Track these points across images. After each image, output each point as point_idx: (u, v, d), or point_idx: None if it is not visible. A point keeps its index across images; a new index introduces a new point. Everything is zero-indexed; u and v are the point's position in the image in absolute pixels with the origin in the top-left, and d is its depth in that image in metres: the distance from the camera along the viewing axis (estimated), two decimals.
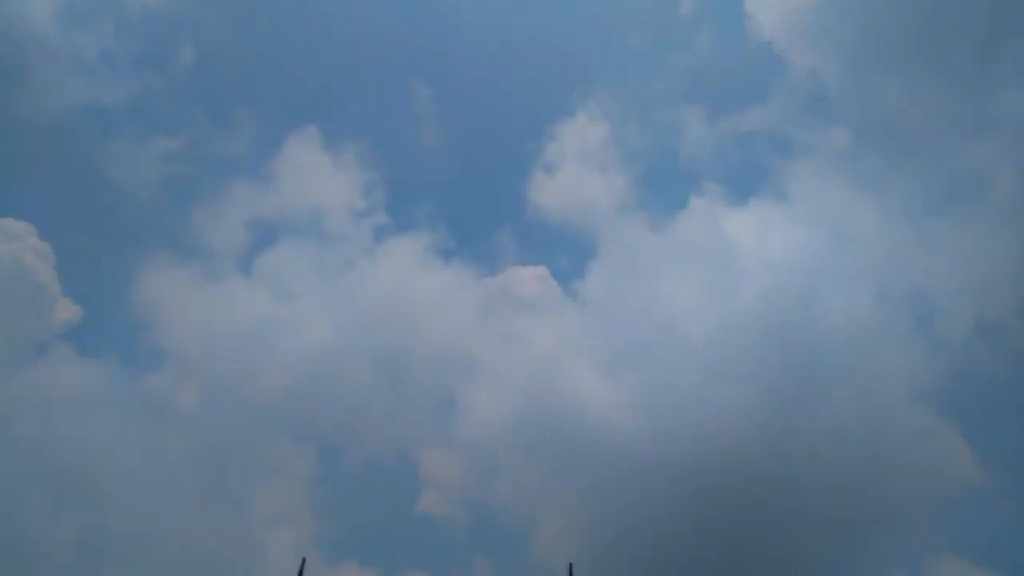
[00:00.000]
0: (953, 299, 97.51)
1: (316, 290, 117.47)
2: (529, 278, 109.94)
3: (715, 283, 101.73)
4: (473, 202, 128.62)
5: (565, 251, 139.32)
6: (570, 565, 27.81)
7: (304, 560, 28.39)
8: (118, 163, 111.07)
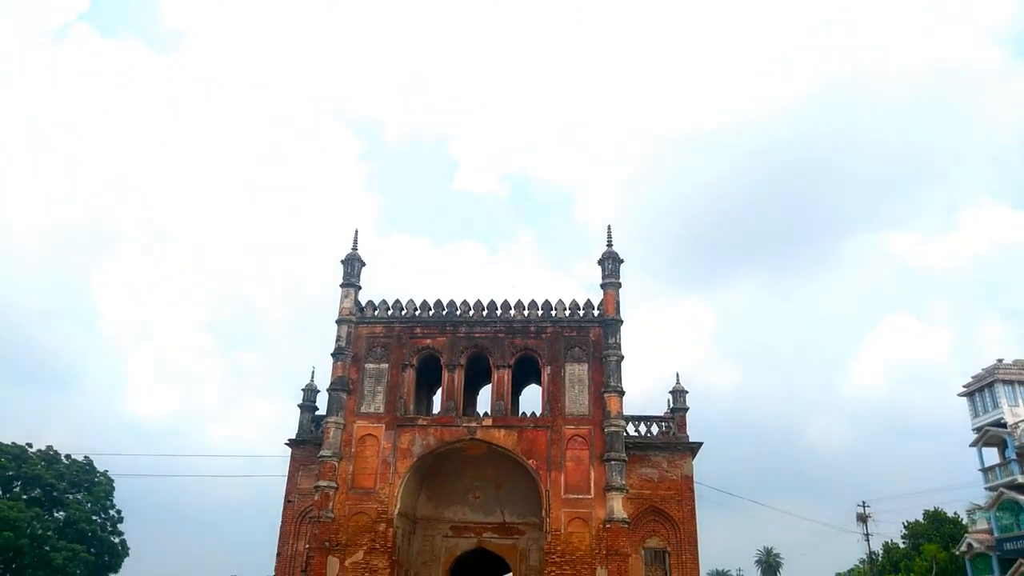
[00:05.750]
0: None
1: None
2: None
3: None
4: None
5: None
6: (608, 227, 28.90)
7: (356, 232, 29.87)
8: None
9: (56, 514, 55.53)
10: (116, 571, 58.45)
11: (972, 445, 44.72)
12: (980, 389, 44.60)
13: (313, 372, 32.58)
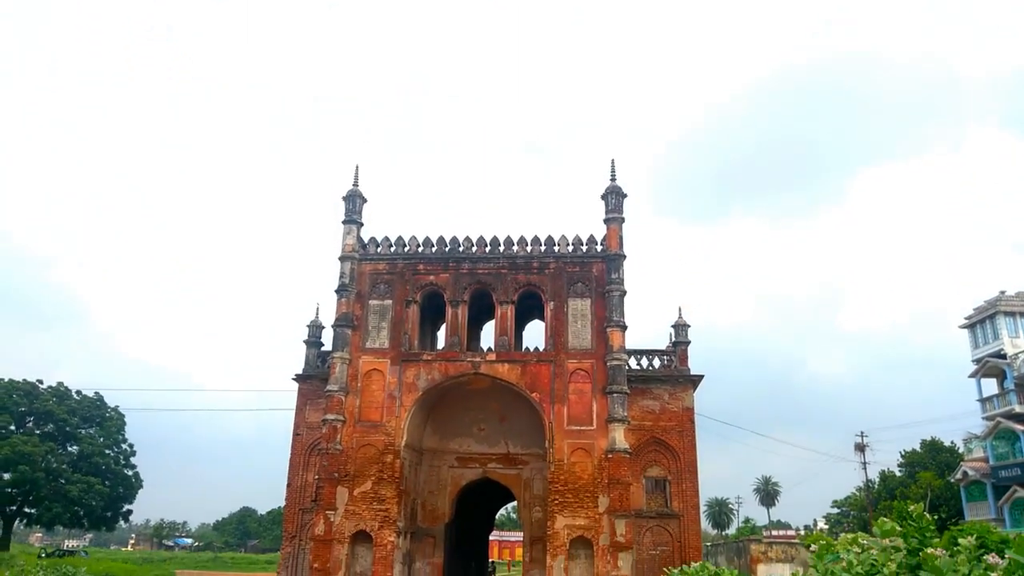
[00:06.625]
0: None
1: None
2: None
3: None
4: None
5: None
6: (612, 161, 29.01)
7: (357, 168, 29.94)
8: None
9: (70, 448, 56.73)
10: (131, 502, 60.05)
11: (971, 376, 45.18)
12: (981, 321, 44.83)
13: (318, 309, 32.83)
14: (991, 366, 43.53)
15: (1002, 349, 42.57)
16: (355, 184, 29.82)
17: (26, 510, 54.72)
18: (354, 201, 29.44)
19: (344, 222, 29.16)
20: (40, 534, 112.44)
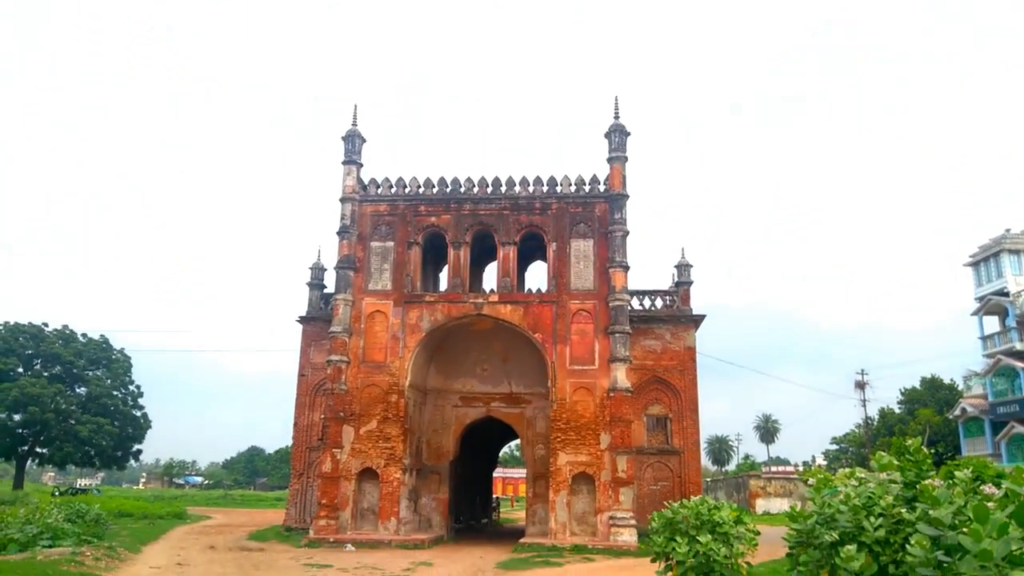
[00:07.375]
0: None
1: None
2: None
3: None
4: None
5: None
6: (615, 99, 28.45)
7: (356, 107, 29.53)
8: None
9: (78, 390, 57.41)
10: (140, 442, 61.07)
11: (974, 314, 45.29)
12: (985, 259, 44.72)
13: (319, 251, 32.80)
14: (993, 304, 43.59)
15: (1005, 287, 42.57)
16: (354, 124, 29.41)
17: (38, 450, 55.75)
18: (353, 141, 29.09)
19: (344, 163, 28.86)
20: (52, 473, 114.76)
